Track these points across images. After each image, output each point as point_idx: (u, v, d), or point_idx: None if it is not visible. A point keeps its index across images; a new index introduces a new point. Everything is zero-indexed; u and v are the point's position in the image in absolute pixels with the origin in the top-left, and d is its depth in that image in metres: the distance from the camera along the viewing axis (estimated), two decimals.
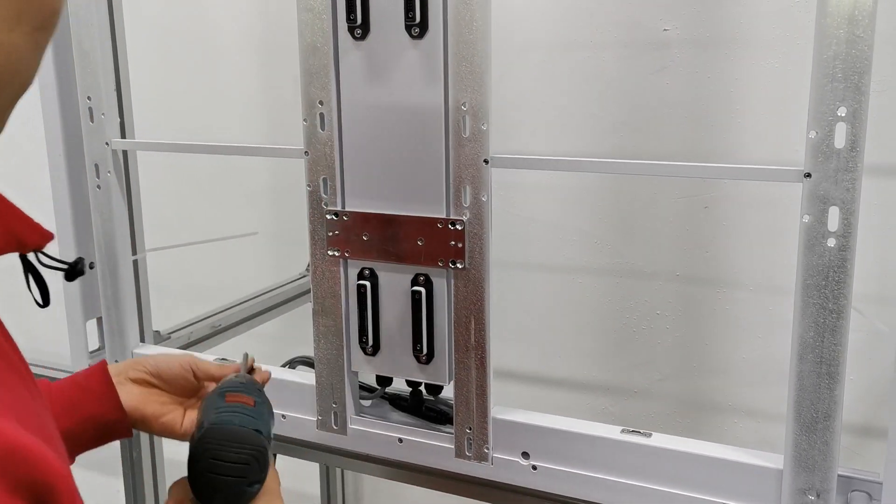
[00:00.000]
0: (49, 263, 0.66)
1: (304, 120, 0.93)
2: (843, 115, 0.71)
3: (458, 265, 0.89)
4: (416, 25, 0.85)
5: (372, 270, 0.93)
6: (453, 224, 0.88)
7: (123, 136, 1.15)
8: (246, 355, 0.82)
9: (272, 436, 0.68)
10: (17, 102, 0.49)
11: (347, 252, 0.94)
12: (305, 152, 0.94)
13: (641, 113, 1.41)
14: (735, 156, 1.37)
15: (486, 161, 0.86)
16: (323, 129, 0.92)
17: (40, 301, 0.66)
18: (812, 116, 0.72)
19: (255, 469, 0.61)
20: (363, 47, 0.89)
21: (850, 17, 0.70)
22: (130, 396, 0.80)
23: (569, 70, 1.44)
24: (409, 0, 0.85)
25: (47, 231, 0.53)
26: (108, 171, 1.10)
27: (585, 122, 1.46)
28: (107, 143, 1.10)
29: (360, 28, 0.88)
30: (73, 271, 0.75)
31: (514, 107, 1.47)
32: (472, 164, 0.86)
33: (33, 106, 1.16)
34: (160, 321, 1.29)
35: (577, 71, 1.43)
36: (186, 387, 0.83)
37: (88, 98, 1.10)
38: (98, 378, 0.80)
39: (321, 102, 0.91)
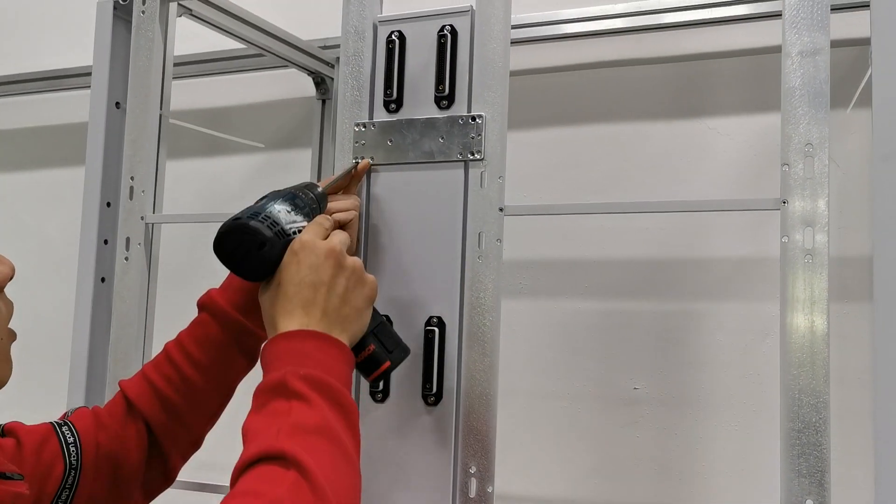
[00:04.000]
0: None
1: None
2: None
3: None
4: (432, 395, 0.97)
5: None
6: None
7: (153, 211, 1.24)
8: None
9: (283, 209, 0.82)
10: None
11: None
12: None
13: (613, 462, 1.51)
14: None
15: None
16: None
17: None
18: None
19: (246, 240, 0.78)
20: (382, 409, 0.99)
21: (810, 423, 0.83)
22: None
23: (548, 418, 1.56)
24: (427, 371, 0.97)
25: None
26: (139, 244, 1.20)
27: (561, 467, 1.55)
28: (142, 218, 1.20)
29: (380, 393, 0.99)
30: None
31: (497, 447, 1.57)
32: None
33: None
34: None
35: (555, 419, 1.55)
36: None
37: (132, 178, 1.21)
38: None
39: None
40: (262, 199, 0.86)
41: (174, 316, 1.66)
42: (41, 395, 1.32)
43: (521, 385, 1.58)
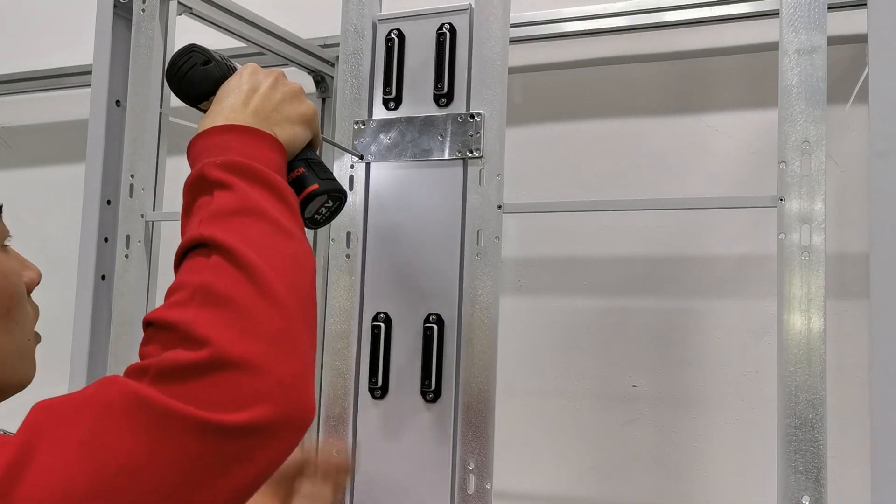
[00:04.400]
0: None
1: None
2: (807, 502, 0.82)
3: None
4: (431, 392, 0.97)
5: None
6: None
7: (153, 208, 1.24)
8: None
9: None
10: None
11: None
12: None
13: (613, 460, 1.52)
14: None
15: None
16: None
17: None
18: (781, 502, 0.83)
19: (193, 56, 0.79)
20: (381, 406, 1.00)
21: (806, 415, 0.83)
22: None
23: (547, 416, 1.56)
24: (426, 368, 0.98)
25: None
26: (139, 241, 1.21)
27: (560, 465, 1.55)
28: (142, 216, 1.21)
29: (379, 389, 1.00)
30: None
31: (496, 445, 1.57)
32: None
33: None
34: None
35: (554, 417, 1.56)
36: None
37: (132, 176, 1.22)
38: None
39: (337, 453, 1.01)
40: None
41: None
42: (40, 392, 1.32)
43: (521, 383, 1.59)
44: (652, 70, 1.54)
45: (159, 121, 1.24)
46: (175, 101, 1.31)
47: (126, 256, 1.22)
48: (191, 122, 1.78)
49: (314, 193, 0.79)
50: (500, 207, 0.98)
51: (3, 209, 0.70)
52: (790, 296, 0.86)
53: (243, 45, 1.53)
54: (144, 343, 0.57)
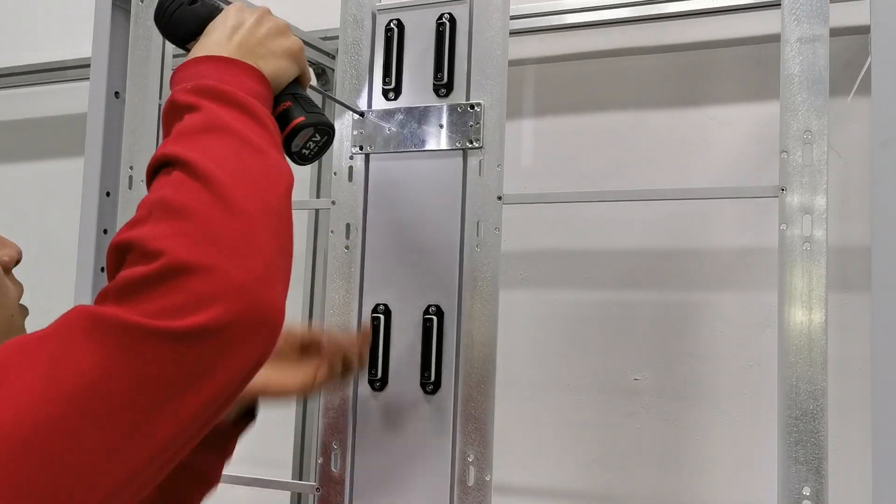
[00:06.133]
0: None
1: (320, 458, 1.01)
2: (808, 493, 0.81)
3: None
4: (431, 383, 0.97)
5: None
6: None
7: None
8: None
9: None
10: None
11: None
12: (317, 488, 1.01)
13: (614, 453, 1.51)
14: (702, 499, 1.46)
15: None
16: (335, 468, 1.00)
17: None
18: (781, 493, 0.83)
19: None
20: (380, 398, 1.00)
21: (808, 409, 0.83)
22: None
23: (548, 408, 1.56)
24: (425, 360, 0.97)
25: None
26: None
27: (561, 458, 1.55)
28: None
29: (378, 381, 0.99)
30: None
31: (496, 438, 1.57)
32: None
33: None
34: None
35: (556, 410, 1.55)
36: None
37: (131, 168, 1.22)
38: None
39: (336, 444, 1.01)
40: None
41: None
42: None
43: (522, 376, 1.58)
44: (654, 62, 1.53)
45: (158, 112, 1.24)
46: None
47: None
48: None
49: (300, 126, 0.78)
50: (500, 198, 0.97)
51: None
52: (791, 287, 0.85)
53: None
54: (111, 269, 0.57)
